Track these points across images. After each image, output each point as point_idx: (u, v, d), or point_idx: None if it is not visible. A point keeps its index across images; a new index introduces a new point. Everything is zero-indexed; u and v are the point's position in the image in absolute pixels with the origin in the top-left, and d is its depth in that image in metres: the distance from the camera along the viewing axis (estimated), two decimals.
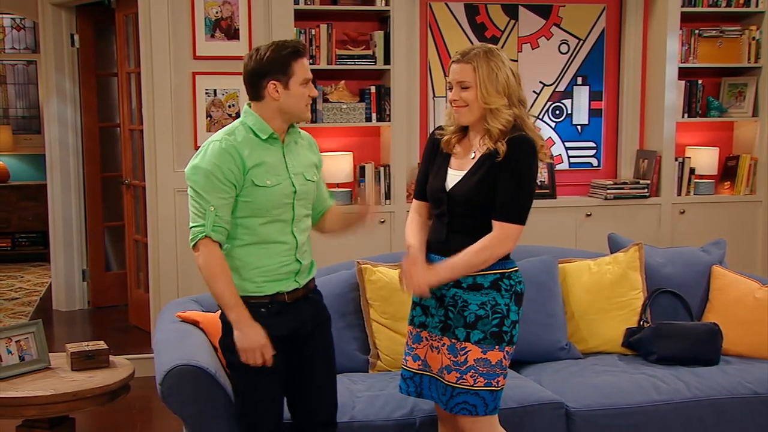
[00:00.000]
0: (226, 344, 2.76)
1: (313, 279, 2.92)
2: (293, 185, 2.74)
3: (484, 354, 2.74)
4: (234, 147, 2.67)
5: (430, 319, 2.84)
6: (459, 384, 2.75)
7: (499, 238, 2.73)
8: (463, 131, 2.88)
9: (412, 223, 2.96)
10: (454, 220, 2.80)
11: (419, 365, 2.88)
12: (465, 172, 2.80)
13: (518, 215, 2.73)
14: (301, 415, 2.91)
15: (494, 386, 2.77)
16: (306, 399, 2.89)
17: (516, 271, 2.84)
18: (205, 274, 2.67)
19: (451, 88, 2.82)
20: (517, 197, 2.73)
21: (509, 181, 2.72)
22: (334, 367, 2.97)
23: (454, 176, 2.82)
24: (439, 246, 2.83)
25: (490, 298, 2.76)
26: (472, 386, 2.74)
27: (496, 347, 2.75)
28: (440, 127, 2.96)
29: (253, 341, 2.65)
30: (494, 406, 2.79)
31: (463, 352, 2.75)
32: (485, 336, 2.75)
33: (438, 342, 2.82)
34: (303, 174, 2.80)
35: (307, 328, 2.83)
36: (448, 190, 2.81)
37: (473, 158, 2.81)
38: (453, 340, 2.77)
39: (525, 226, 2.77)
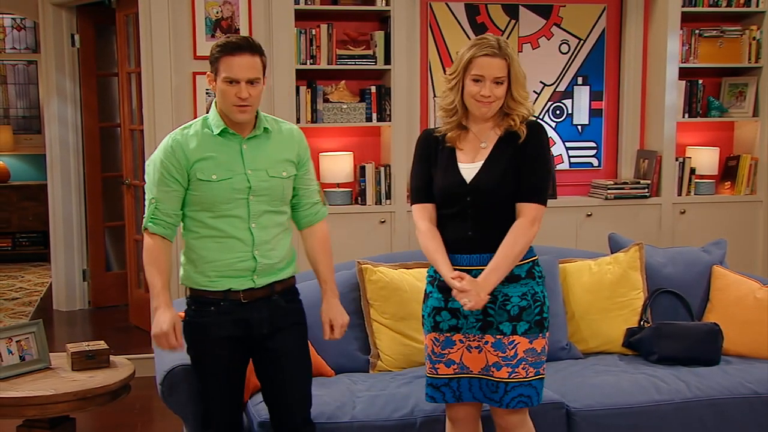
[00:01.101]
0: (186, 340, 2.82)
1: (284, 281, 2.83)
2: (248, 181, 2.71)
3: (531, 343, 2.76)
4: (179, 142, 2.72)
5: (463, 321, 2.79)
6: (512, 378, 2.74)
7: (530, 221, 2.73)
8: (462, 126, 2.84)
9: (431, 239, 2.81)
10: (478, 213, 2.76)
11: (455, 369, 2.83)
12: (482, 162, 2.78)
13: (545, 196, 2.79)
14: (274, 415, 2.91)
15: (542, 374, 2.80)
16: (275, 400, 2.88)
17: (538, 258, 2.87)
18: (143, 262, 2.80)
19: (476, 81, 2.73)
20: (542, 179, 2.79)
21: (534, 164, 2.75)
22: (303, 372, 2.89)
23: (470, 169, 2.78)
24: (465, 244, 2.78)
25: (529, 288, 2.78)
26: (525, 377, 2.75)
27: (540, 335, 2.78)
28: (429, 130, 2.92)
29: (157, 327, 2.66)
30: (542, 395, 2.83)
31: (512, 345, 2.75)
32: (530, 326, 2.76)
33: (478, 341, 2.79)
34: (266, 170, 2.74)
35: (262, 330, 2.78)
36: (468, 183, 2.77)
37: (485, 148, 2.80)
38: (498, 336, 2.76)
39: None
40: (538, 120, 2.83)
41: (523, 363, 2.75)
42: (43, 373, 3.51)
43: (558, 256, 3.94)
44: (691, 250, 4.16)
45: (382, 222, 5.12)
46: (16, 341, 3.50)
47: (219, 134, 2.72)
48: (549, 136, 2.83)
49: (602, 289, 3.86)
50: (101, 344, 3.65)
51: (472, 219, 2.77)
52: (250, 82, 2.65)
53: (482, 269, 2.74)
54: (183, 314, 2.85)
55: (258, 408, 3.11)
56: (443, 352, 2.84)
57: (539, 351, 2.78)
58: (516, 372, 2.74)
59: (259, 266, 2.75)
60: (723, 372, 3.55)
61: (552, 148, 5.56)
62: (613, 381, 3.45)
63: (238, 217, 2.72)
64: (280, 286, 2.82)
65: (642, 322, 3.82)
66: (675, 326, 3.72)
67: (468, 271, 2.76)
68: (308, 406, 2.91)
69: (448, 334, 2.82)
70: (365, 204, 5.13)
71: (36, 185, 8.58)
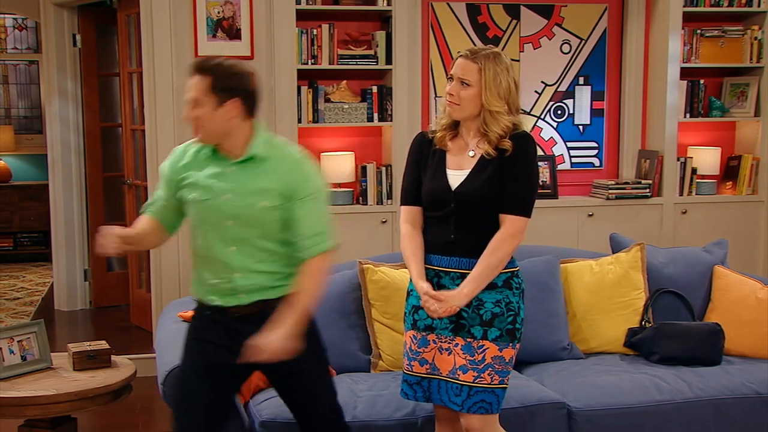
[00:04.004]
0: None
1: (280, 299, 2.66)
2: (225, 205, 2.64)
3: (500, 351, 2.77)
4: (177, 154, 2.78)
5: (438, 321, 2.82)
6: (477, 383, 2.76)
7: (510, 233, 2.75)
8: (454, 128, 2.88)
9: (408, 243, 2.87)
10: (461, 219, 2.79)
11: (427, 369, 2.86)
12: (468, 170, 2.81)
13: (528, 209, 2.79)
14: (302, 426, 2.89)
15: (506, 384, 2.80)
16: (292, 410, 2.87)
17: (519, 269, 2.88)
18: None
19: (450, 80, 2.83)
20: (526, 192, 2.79)
21: (519, 177, 2.76)
22: (317, 387, 2.82)
23: (456, 176, 2.82)
24: (446, 247, 2.82)
25: (504, 296, 2.79)
26: (490, 384, 2.76)
27: (510, 344, 2.79)
28: (423, 133, 2.98)
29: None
30: (502, 404, 2.83)
31: (481, 350, 2.76)
32: (501, 333, 2.77)
33: (449, 343, 2.81)
34: (244, 197, 2.64)
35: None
36: (453, 189, 2.80)
37: (473, 156, 2.82)
38: (468, 339, 2.78)
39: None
40: (526, 132, 2.82)
41: (490, 369, 2.76)
42: (45, 373, 3.51)
43: (559, 256, 3.94)
44: (693, 250, 4.16)
45: (384, 222, 5.12)
46: (18, 341, 3.51)
47: (211, 154, 2.71)
48: (537, 147, 2.83)
49: (603, 289, 3.86)
50: (102, 344, 3.66)
51: (455, 224, 2.80)
52: (193, 102, 2.60)
53: (460, 272, 2.79)
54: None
55: (259, 408, 3.11)
56: (419, 350, 2.88)
57: (507, 360, 2.79)
58: (481, 377, 2.76)
59: (240, 288, 2.68)
60: (724, 372, 3.55)
61: (553, 148, 5.56)
62: (615, 381, 3.44)
63: (219, 240, 2.67)
64: (275, 302, 2.68)
65: (643, 322, 3.82)
66: (676, 326, 3.72)
67: (446, 273, 2.82)
68: (334, 414, 2.85)
69: (424, 333, 2.86)
70: (366, 204, 5.14)
71: (37, 185, 8.58)
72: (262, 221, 2.65)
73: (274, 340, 2.56)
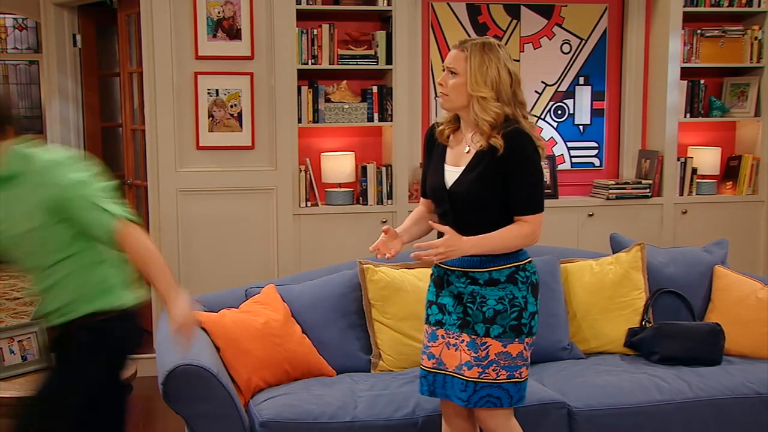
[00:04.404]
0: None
1: (85, 317, 2.61)
2: None
3: (505, 347, 2.76)
4: None
5: (447, 317, 2.84)
6: (482, 378, 2.75)
7: (531, 231, 2.75)
8: (457, 122, 2.89)
9: (413, 212, 3.03)
10: (458, 217, 2.79)
11: (433, 363, 2.87)
12: (462, 168, 2.80)
13: (539, 205, 2.78)
14: None
15: (517, 378, 2.79)
16: None
17: (530, 261, 2.84)
18: None
19: (443, 71, 2.85)
20: (533, 190, 2.78)
21: (520, 176, 2.74)
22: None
23: (452, 173, 2.82)
24: None
25: (508, 292, 2.78)
26: (495, 379, 2.76)
27: (516, 340, 2.77)
28: (434, 125, 2.98)
29: None
30: (519, 397, 2.81)
31: (484, 347, 2.76)
32: (504, 330, 2.76)
33: (456, 339, 2.82)
34: (10, 224, 2.51)
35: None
36: (448, 188, 2.81)
37: (467, 152, 2.82)
38: (473, 336, 2.78)
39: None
40: (519, 128, 2.76)
41: (494, 365, 2.76)
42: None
43: (559, 256, 3.94)
44: (693, 250, 4.16)
45: (384, 222, 5.11)
46: (18, 341, 3.51)
47: None
48: (533, 141, 2.76)
49: (604, 289, 3.86)
50: None
51: (454, 221, 2.79)
52: None
53: (463, 270, 2.79)
54: None
55: (259, 408, 3.11)
56: (428, 344, 2.90)
57: (514, 355, 2.78)
58: (486, 373, 2.76)
59: (48, 312, 2.64)
60: (724, 372, 3.55)
61: (554, 148, 5.56)
62: (615, 381, 3.44)
63: (20, 269, 2.64)
64: (80, 321, 2.62)
65: (643, 322, 3.82)
66: (676, 326, 3.72)
67: (452, 272, 2.83)
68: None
69: (434, 328, 2.88)
70: (367, 204, 5.13)
71: None
72: (38, 244, 2.52)
73: (176, 314, 2.58)
